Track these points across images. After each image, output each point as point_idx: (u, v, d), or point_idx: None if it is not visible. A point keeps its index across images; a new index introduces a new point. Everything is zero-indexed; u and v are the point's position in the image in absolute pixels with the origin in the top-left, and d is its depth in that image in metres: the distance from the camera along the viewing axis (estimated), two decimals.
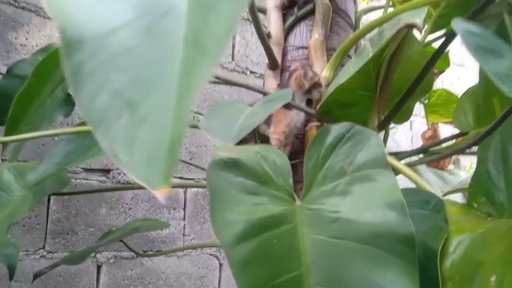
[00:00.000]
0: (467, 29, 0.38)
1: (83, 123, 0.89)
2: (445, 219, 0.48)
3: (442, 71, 1.38)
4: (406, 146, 2.33)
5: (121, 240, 1.00)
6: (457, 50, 2.74)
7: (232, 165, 0.42)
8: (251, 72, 1.77)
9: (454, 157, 2.28)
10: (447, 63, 1.28)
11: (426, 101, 1.25)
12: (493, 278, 0.36)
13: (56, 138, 1.12)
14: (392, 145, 2.29)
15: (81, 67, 0.29)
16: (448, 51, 1.28)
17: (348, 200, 0.42)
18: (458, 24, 0.39)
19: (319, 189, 0.45)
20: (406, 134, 2.41)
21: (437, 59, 0.74)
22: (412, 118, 2.46)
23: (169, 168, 0.25)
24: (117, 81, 0.29)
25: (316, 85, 0.85)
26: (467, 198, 0.57)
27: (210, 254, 1.56)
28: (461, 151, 0.71)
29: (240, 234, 0.36)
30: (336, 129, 0.49)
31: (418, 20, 0.61)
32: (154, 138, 0.27)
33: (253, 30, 1.80)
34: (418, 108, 2.46)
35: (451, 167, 2.01)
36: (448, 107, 1.23)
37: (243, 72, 1.75)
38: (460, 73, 2.79)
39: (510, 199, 0.49)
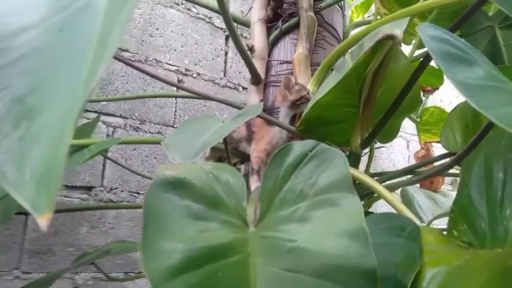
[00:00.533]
0: (433, 35, 0.34)
1: None
2: (419, 249, 0.44)
3: (435, 89, 1.34)
4: (402, 165, 2.27)
5: (94, 264, 0.95)
6: None
7: (178, 185, 0.37)
8: (243, 88, 1.74)
9: (452, 178, 2.23)
10: (441, 81, 1.25)
11: (418, 120, 1.21)
12: None
13: None
14: (388, 164, 2.24)
15: None
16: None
17: (307, 227, 0.37)
18: (423, 29, 0.35)
19: (277, 213, 0.40)
20: (403, 154, 2.36)
21: (421, 73, 0.70)
22: (409, 137, 2.43)
23: (56, 192, 0.21)
24: (19, 87, 0.25)
25: (303, 99, 0.80)
26: (448, 226, 0.52)
27: None
28: (441, 171, 0.66)
29: (176, 266, 0.31)
30: (299, 147, 0.44)
31: (398, 32, 0.57)
32: (48, 157, 0.23)
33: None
34: (415, 127, 2.42)
35: (448, 187, 1.96)
36: (441, 125, 1.19)
37: (235, 88, 1.72)
38: (452, 87, 2.75)
39: (492, 227, 0.45)
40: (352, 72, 0.71)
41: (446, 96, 2.58)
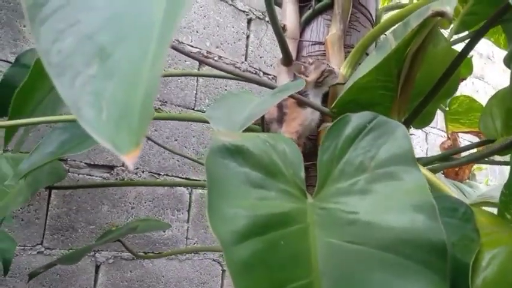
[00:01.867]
0: None
1: None
2: (476, 230, 0.42)
3: (463, 79, 1.31)
4: None
5: (119, 240, 0.95)
6: (477, 62, 2.66)
7: (236, 152, 0.36)
8: (264, 73, 1.72)
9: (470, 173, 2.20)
10: (470, 70, 1.22)
11: (447, 109, 1.18)
12: None
13: None
14: None
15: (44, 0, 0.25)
16: (472, 57, 1.21)
17: (368, 200, 0.36)
18: None
19: (335, 186, 0.39)
20: (421, 146, 2.34)
21: (465, 57, 0.68)
22: (427, 129, 2.40)
23: (141, 130, 0.21)
24: (88, 23, 0.24)
25: (324, 73, 0.79)
26: (499, 209, 0.50)
27: (213, 260, 1.50)
28: (483, 157, 0.64)
29: (241, 231, 0.31)
30: (357, 118, 0.43)
31: (449, 8, 0.55)
32: (126, 94, 0.22)
33: (268, 31, 1.76)
34: (435, 119, 2.39)
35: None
36: (470, 115, 1.16)
37: (256, 73, 1.70)
38: (479, 86, 2.71)
39: None
40: (393, 53, 0.69)
41: (465, 90, 2.54)
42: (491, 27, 0.74)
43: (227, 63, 1.61)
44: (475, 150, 0.90)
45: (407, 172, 0.36)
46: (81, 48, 0.24)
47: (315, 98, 0.81)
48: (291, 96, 0.76)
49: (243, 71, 1.67)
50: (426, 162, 0.79)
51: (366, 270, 0.32)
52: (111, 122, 0.22)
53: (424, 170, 0.57)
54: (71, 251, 1.21)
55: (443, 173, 1.40)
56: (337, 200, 0.37)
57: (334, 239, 0.34)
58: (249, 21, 1.70)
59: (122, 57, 0.24)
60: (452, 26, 0.89)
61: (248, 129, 0.83)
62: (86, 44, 0.24)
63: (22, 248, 1.15)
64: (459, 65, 0.65)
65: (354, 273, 0.32)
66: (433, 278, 0.31)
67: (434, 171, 0.82)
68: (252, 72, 1.69)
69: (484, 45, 2.76)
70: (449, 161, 0.89)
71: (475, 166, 2.18)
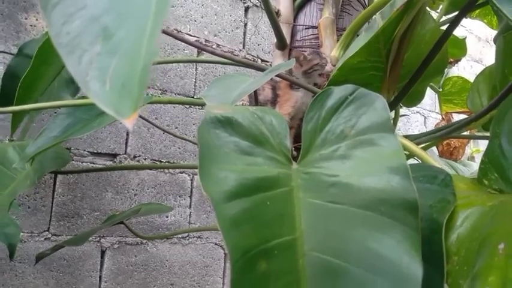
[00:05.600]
0: None
1: (83, 97, 0.87)
2: (453, 193, 0.45)
3: (458, 60, 1.33)
4: None
5: (124, 223, 0.98)
6: (475, 45, 2.67)
7: (226, 123, 0.39)
8: (262, 60, 1.74)
9: (469, 154, 2.22)
10: (464, 51, 1.24)
11: (440, 90, 1.21)
12: (501, 246, 0.33)
13: None
14: None
15: None
16: (465, 39, 1.23)
17: (348, 164, 0.39)
18: None
19: (318, 152, 0.42)
20: (420, 130, 2.36)
21: (449, 36, 0.70)
22: (426, 113, 2.42)
23: (140, 97, 0.24)
24: (94, 7, 0.27)
25: (315, 67, 0.82)
26: (478, 175, 0.53)
27: (215, 244, 1.54)
28: (462, 127, 0.67)
29: (231, 191, 0.34)
30: (339, 91, 0.46)
31: None
32: (127, 68, 0.25)
33: (265, 18, 1.78)
34: (433, 103, 2.41)
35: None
36: (463, 95, 1.19)
37: (254, 61, 1.73)
38: (478, 69, 2.72)
39: None
40: (380, 33, 0.71)
41: (464, 73, 2.55)
42: (474, 7, 0.76)
43: (225, 51, 1.63)
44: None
45: (384, 138, 0.39)
46: (87, 29, 0.27)
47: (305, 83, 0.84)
48: (284, 78, 0.79)
49: (241, 58, 1.69)
50: (414, 138, 0.82)
51: (346, 226, 0.36)
52: (114, 92, 0.25)
53: (408, 142, 0.60)
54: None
55: (439, 154, 1.43)
56: (320, 165, 0.40)
57: (317, 199, 0.37)
58: (247, 9, 1.72)
59: (123, 35, 0.27)
60: (441, 6, 0.91)
61: None
62: (91, 25, 0.27)
63: (29, 234, 1.19)
64: (443, 44, 0.68)
65: (335, 230, 0.36)
66: (406, 231, 0.34)
67: (425, 148, 0.84)
68: (250, 60, 1.71)
69: (482, 29, 2.77)
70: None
71: (474, 148, 2.21)
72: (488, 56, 2.81)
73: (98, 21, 0.26)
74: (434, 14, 0.93)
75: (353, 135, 0.41)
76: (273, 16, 0.79)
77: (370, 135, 0.40)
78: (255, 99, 0.75)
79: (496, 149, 0.51)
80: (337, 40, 0.90)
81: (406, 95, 0.77)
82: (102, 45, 0.26)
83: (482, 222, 0.41)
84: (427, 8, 0.83)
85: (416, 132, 2.35)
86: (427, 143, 0.85)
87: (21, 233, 1.16)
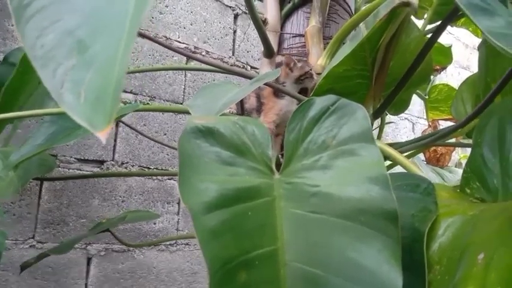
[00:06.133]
0: None
1: None
2: (435, 202, 0.46)
3: (444, 67, 1.35)
4: None
5: (110, 231, 0.97)
6: (462, 52, 2.71)
7: (208, 133, 0.39)
8: (252, 67, 1.75)
9: (457, 161, 2.25)
10: (450, 59, 1.26)
11: (427, 97, 1.22)
12: (480, 256, 0.33)
13: None
14: None
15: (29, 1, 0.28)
16: (451, 47, 1.25)
17: (329, 174, 0.39)
18: None
19: (300, 162, 0.42)
20: (408, 136, 2.38)
21: (433, 44, 0.71)
22: (414, 120, 2.44)
23: (113, 110, 0.24)
24: (69, 21, 0.27)
25: (307, 74, 0.82)
26: (460, 184, 0.54)
27: None
28: (447, 135, 0.68)
29: (211, 202, 0.34)
30: (321, 101, 0.46)
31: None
32: (102, 80, 0.25)
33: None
34: (422, 109, 2.43)
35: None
36: (449, 102, 1.20)
37: (243, 67, 1.73)
38: (465, 75, 2.75)
39: (505, 183, 0.47)
40: (365, 42, 0.72)
41: (452, 80, 2.58)
42: (458, 16, 0.77)
43: (214, 58, 1.64)
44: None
45: (365, 148, 0.40)
46: (62, 42, 0.27)
47: (291, 90, 0.84)
48: (268, 85, 0.79)
49: (231, 65, 1.69)
50: (399, 146, 0.83)
51: (327, 236, 0.36)
52: (88, 105, 0.25)
53: (392, 151, 0.60)
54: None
55: (426, 161, 1.44)
56: (302, 175, 0.40)
57: (298, 209, 0.37)
58: (236, 16, 1.73)
59: (98, 49, 0.27)
60: (426, 16, 0.92)
61: None
62: (66, 38, 0.27)
63: (14, 242, 1.17)
64: (427, 53, 0.68)
65: (316, 240, 0.36)
66: (386, 241, 0.35)
67: (410, 155, 0.85)
68: (240, 67, 1.72)
69: (469, 36, 2.81)
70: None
71: (462, 154, 2.23)
72: (475, 63, 2.84)
73: (73, 35, 0.26)
74: (419, 23, 0.94)
75: (334, 145, 0.41)
76: (260, 24, 0.80)
77: (351, 145, 0.40)
78: (241, 107, 0.75)
79: (477, 158, 0.52)
80: (324, 48, 0.90)
81: (391, 102, 0.77)
82: (77, 58, 0.26)
83: (463, 231, 0.42)
84: (412, 17, 0.84)
85: (404, 138, 2.37)
86: (413, 151, 0.86)
87: (6, 241, 1.15)
